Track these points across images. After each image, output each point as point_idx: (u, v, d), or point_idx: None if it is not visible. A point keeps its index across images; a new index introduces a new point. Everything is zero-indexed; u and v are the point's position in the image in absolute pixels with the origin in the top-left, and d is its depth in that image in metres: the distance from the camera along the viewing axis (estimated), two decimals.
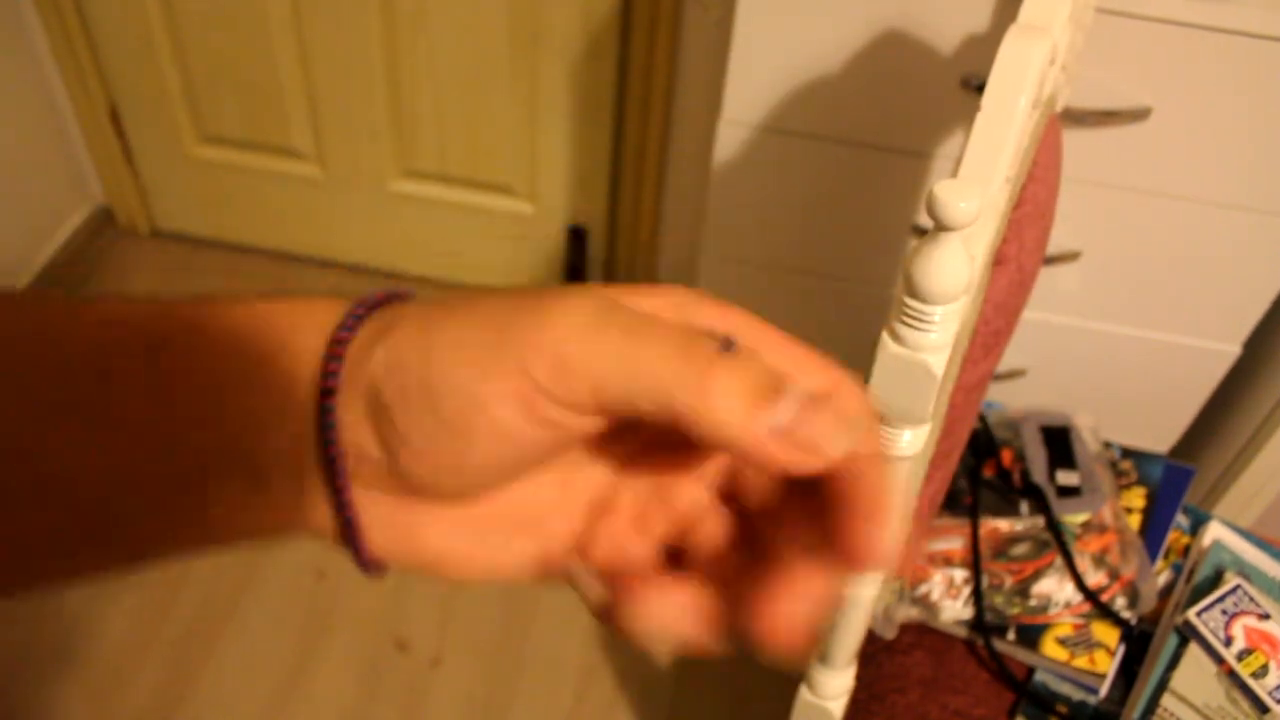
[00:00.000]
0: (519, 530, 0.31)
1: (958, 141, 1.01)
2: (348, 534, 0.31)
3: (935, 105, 0.98)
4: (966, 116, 0.98)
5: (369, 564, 0.32)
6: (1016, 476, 1.01)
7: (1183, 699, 0.86)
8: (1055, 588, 0.95)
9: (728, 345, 0.27)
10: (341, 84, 1.66)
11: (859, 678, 0.90)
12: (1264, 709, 0.84)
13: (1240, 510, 1.24)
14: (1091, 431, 1.06)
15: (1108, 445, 1.08)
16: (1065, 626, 0.94)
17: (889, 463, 0.28)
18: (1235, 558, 0.96)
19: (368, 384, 0.27)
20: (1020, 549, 0.97)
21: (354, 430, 0.28)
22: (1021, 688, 0.93)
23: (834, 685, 0.84)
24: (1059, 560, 0.96)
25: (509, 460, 0.27)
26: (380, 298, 0.30)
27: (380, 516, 0.30)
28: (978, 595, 0.94)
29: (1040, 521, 0.98)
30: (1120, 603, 0.95)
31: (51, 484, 0.28)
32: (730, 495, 0.31)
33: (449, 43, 1.58)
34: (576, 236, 1.79)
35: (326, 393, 0.28)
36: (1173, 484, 1.05)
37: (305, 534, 0.32)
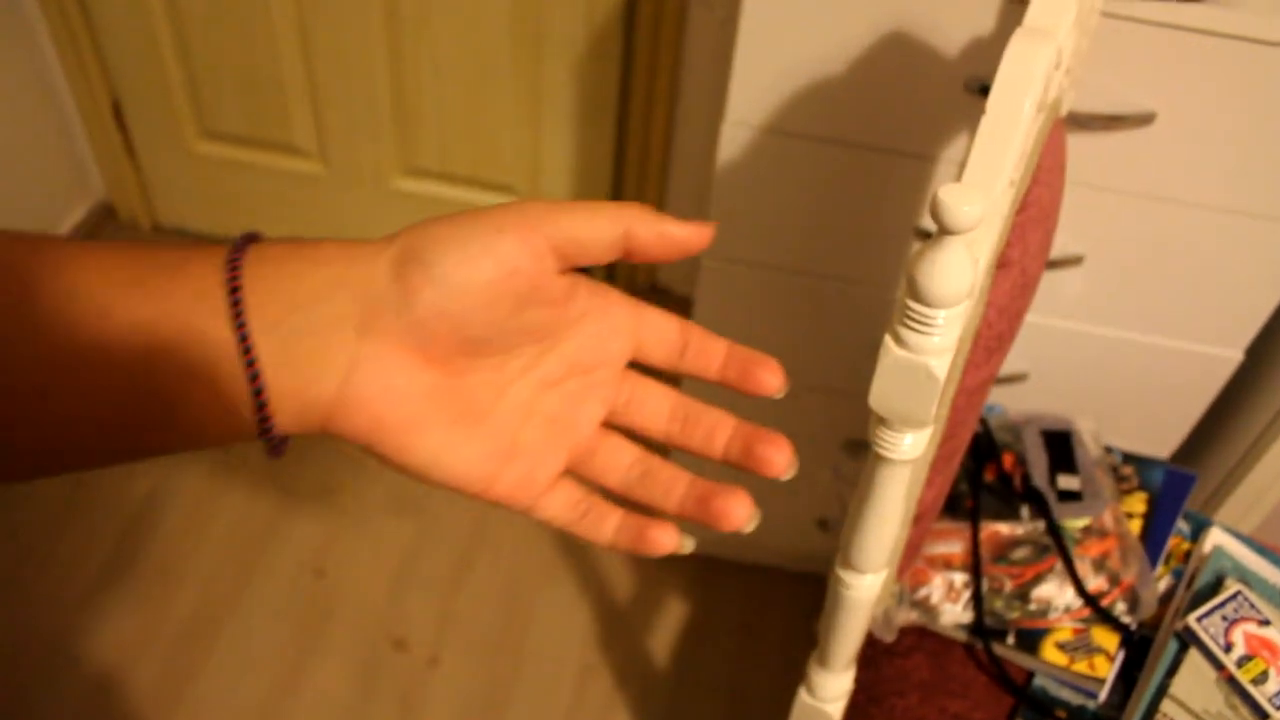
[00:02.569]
0: (511, 451, 0.40)
1: (962, 145, 1.01)
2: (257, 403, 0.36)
3: (939, 108, 0.98)
4: (971, 120, 0.98)
5: (275, 437, 0.37)
6: (1017, 480, 1.01)
7: (1182, 705, 0.86)
8: (1055, 592, 0.95)
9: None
10: (344, 81, 1.66)
11: (858, 680, 0.90)
12: (1264, 715, 0.84)
13: (1241, 516, 1.23)
14: (1093, 436, 1.06)
15: (1109, 450, 1.08)
16: (1065, 631, 0.94)
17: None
18: (1236, 564, 0.96)
19: (400, 246, 0.36)
20: (1020, 553, 0.97)
21: (373, 284, 0.36)
22: (1021, 692, 0.93)
23: (833, 688, 0.84)
24: (1059, 565, 0.96)
25: (505, 295, 0.36)
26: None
27: (382, 371, 0.36)
28: (977, 599, 0.94)
29: (1041, 526, 0.98)
30: (1120, 608, 0.94)
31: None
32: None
33: (452, 41, 1.58)
34: None
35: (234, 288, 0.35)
36: (1174, 489, 1.05)
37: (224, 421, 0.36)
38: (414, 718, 1.38)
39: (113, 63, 1.74)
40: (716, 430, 0.41)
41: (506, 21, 1.54)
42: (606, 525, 0.41)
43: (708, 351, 0.41)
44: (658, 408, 0.42)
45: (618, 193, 1.72)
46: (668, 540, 0.40)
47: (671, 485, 0.41)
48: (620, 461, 0.42)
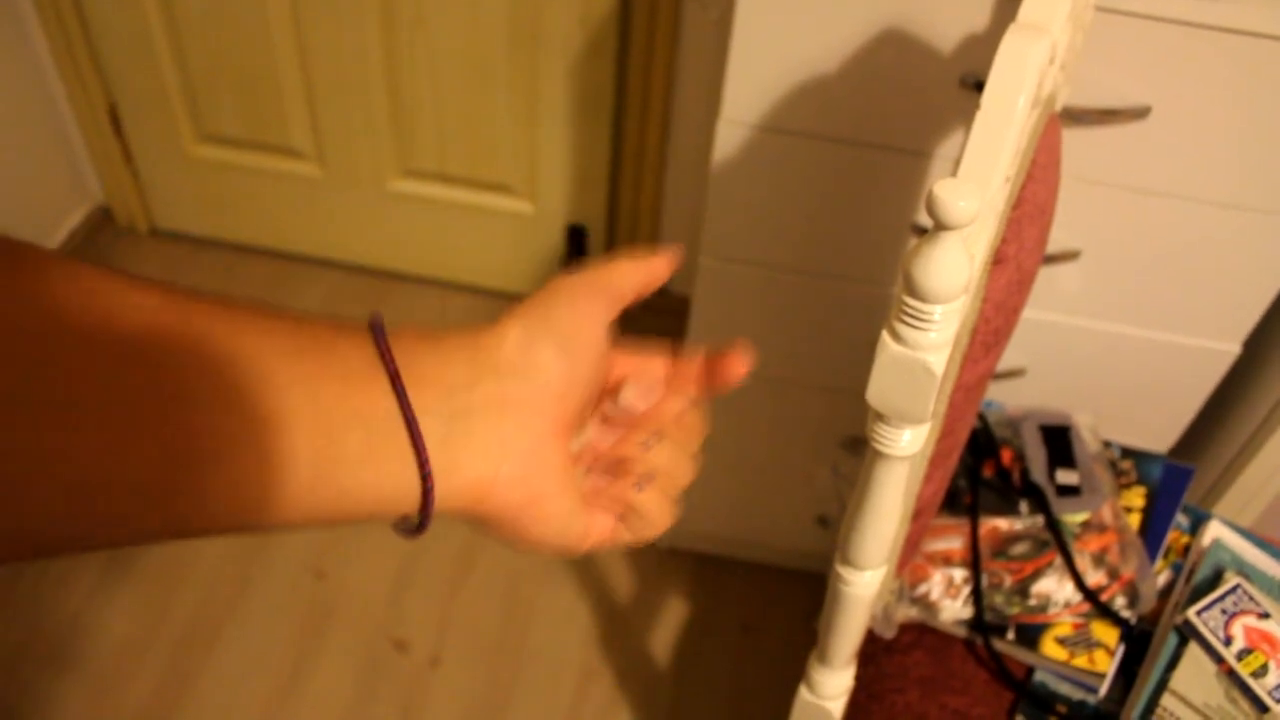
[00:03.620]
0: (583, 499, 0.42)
1: (957, 141, 1.01)
2: (426, 488, 0.36)
3: (935, 105, 0.98)
4: (966, 116, 0.98)
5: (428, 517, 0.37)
6: (1016, 476, 1.01)
7: (1182, 698, 0.86)
8: (1055, 587, 0.95)
9: None
10: (341, 83, 1.66)
11: (858, 677, 0.90)
12: (1264, 708, 0.84)
13: (1240, 510, 1.24)
14: (1091, 431, 1.06)
15: (1107, 444, 1.08)
16: (1065, 626, 0.94)
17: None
18: (1235, 557, 0.96)
19: (518, 316, 0.39)
20: (1020, 548, 0.97)
21: (503, 357, 0.38)
22: (1021, 687, 0.93)
23: (833, 685, 0.84)
24: (1058, 560, 0.96)
25: (601, 353, 0.40)
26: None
27: (527, 445, 0.38)
28: (977, 595, 0.94)
29: (1040, 521, 0.98)
30: (1120, 602, 0.94)
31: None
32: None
33: (448, 42, 1.58)
34: (576, 236, 1.79)
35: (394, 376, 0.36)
36: (1172, 483, 1.05)
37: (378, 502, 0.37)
38: (415, 718, 1.38)
39: (109, 68, 1.74)
40: (691, 374, 0.45)
41: (502, 22, 1.54)
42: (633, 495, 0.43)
43: (684, 373, 0.45)
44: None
45: (614, 191, 1.72)
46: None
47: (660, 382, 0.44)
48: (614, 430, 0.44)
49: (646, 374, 0.45)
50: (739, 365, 0.44)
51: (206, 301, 0.33)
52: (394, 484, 0.35)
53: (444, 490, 0.36)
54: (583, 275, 0.41)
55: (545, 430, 0.38)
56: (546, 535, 0.39)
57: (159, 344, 0.30)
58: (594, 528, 0.42)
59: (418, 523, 0.37)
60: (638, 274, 0.43)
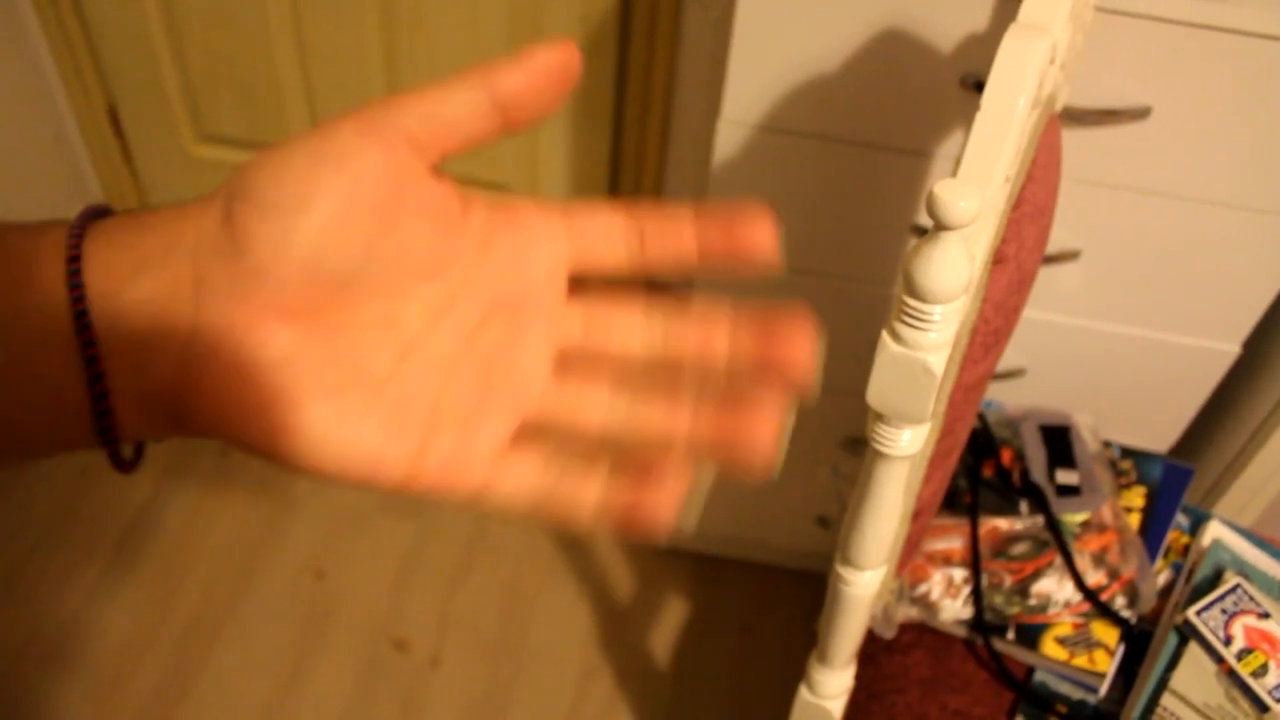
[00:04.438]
0: (432, 421, 0.30)
1: (957, 141, 1.01)
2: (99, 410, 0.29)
3: (935, 105, 0.98)
4: (966, 116, 0.98)
5: (118, 443, 0.30)
6: (1016, 476, 1.01)
7: (1182, 698, 0.86)
8: (1055, 587, 0.95)
9: None
10: (340, 83, 1.66)
11: (858, 677, 0.90)
12: (1264, 708, 0.84)
13: (1240, 509, 1.24)
14: (1091, 431, 1.06)
15: (1107, 444, 1.08)
16: (1065, 626, 0.94)
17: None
18: (1235, 557, 0.96)
19: (227, 185, 0.28)
20: (1020, 548, 0.97)
21: (203, 234, 0.28)
22: (1021, 687, 0.93)
23: (833, 685, 0.84)
24: (1058, 559, 0.96)
25: (360, 210, 0.28)
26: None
27: (226, 339, 0.28)
28: (977, 595, 0.94)
29: (1040, 521, 0.98)
30: (1120, 602, 0.94)
31: None
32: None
33: (448, 42, 1.58)
34: None
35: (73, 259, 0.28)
36: (1172, 483, 1.05)
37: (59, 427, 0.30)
38: (415, 719, 1.38)
39: (109, 68, 1.74)
40: (681, 231, 0.31)
41: (502, 22, 1.54)
42: (585, 495, 0.30)
43: (671, 230, 0.31)
44: (628, 326, 0.32)
45: (615, 190, 1.72)
46: (663, 504, 0.29)
47: (671, 413, 0.30)
48: (594, 404, 0.31)
49: (598, 227, 0.32)
50: (761, 234, 0.31)
51: None
52: (65, 400, 0.28)
53: (126, 405, 0.29)
54: (364, 107, 0.29)
55: (254, 320, 0.28)
56: (301, 453, 0.29)
57: None
58: (450, 458, 0.30)
59: (110, 446, 0.30)
60: (468, 93, 0.30)
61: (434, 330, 0.31)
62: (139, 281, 0.28)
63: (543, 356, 0.32)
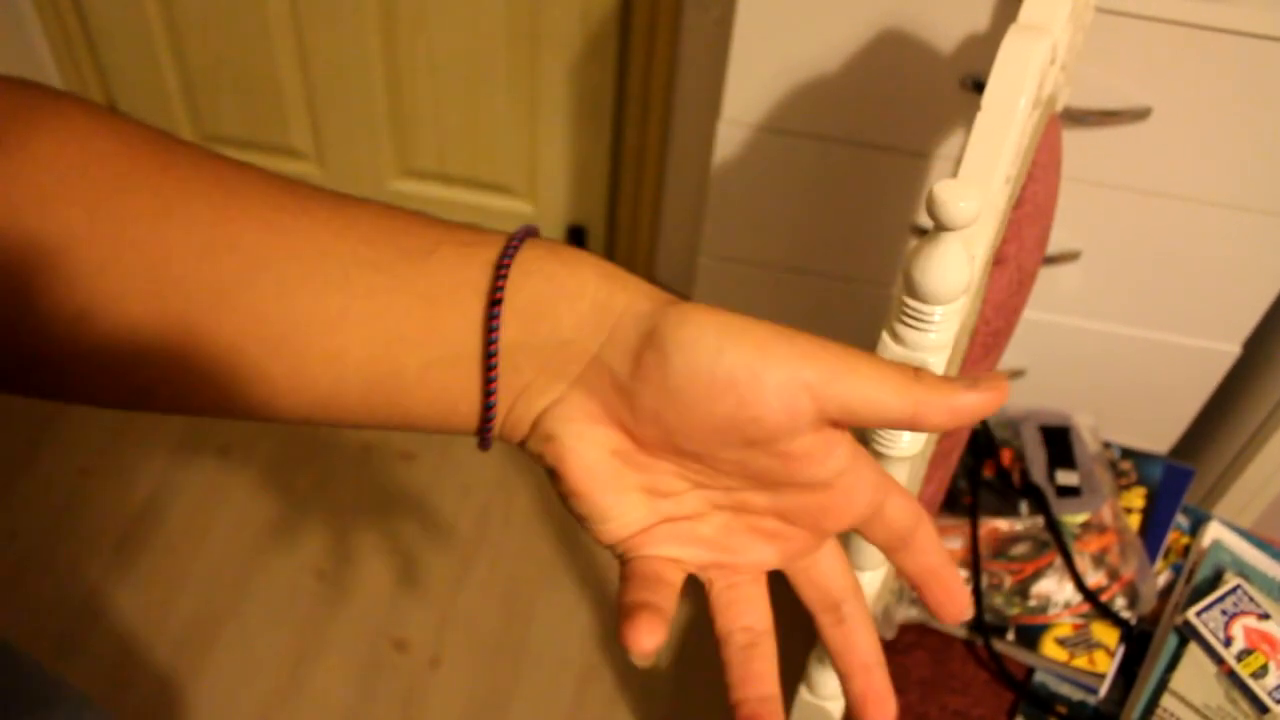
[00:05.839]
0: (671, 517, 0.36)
1: (958, 141, 1.01)
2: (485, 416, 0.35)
3: (935, 105, 0.98)
4: (966, 116, 0.98)
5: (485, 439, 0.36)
6: (1016, 476, 1.01)
7: (1182, 699, 0.86)
8: (1055, 588, 0.95)
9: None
10: (340, 83, 1.66)
11: None
12: (1264, 709, 0.84)
13: (1240, 510, 1.24)
14: (1091, 431, 1.06)
15: (1107, 445, 1.08)
16: (1065, 627, 0.94)
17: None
18: (1235, 558, 0.96)
19: (657, 321, 0.33)
20: (1020, 549, 0.97)
21: (613, 345, 0.34)
22: (1021, 688, 0.93)
23: (833, 685, 0.84)
24: (1058, 560, 0.96)
25: (735, 433, 0.33)
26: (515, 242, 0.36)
27: (574, 418, 0.35)
28: (977, 595, 0.94)
29: (1040, 521, 0.98)
30: (1120, 603, 0.95)
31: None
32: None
33: (448, 42, 1.58)
34: (576, 236, 1.79)
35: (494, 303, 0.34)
36: (1172, 484, 1.05)
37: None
38: (415, 719, 1.38)
39: (109, 67, 1.74)
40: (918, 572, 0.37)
41: (502, 22, 1.54)
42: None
43: (926, 556, 0.37)
44: (828, 586, 0.38)
45: (614, 192, 1.72)
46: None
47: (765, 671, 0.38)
48: (747, 606, 0.38)
49: (895, 511, 0.36)
50: (955, 612, 0.37)
51: (324, 206, 0.36)
52: (455, 405, 0.35)
53: (499, 417, 0.35)
54: (809, 350, 0.33)
55: (603, 419, 0.34)
56: (588, 516, 0.36)
57: (258, 238, 0.35)
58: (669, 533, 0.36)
59: (482, 438, 0.36)
60: (894, 404, 0.32)
61: (720, 489, 0.36)
62: (541, 339, 0.34)
63: (765, 558, 0.37)
